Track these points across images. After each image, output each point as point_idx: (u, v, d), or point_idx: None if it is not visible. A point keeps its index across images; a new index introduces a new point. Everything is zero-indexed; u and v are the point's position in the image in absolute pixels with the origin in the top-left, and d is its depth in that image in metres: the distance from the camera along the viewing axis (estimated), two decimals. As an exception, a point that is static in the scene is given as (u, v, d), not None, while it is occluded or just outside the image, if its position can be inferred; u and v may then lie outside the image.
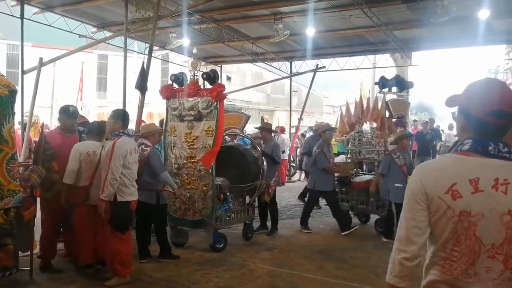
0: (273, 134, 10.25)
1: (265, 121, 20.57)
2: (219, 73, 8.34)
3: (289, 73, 19.73)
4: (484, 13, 11.32)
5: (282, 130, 17.49)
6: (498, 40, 15.40)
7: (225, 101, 7.76)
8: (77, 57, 22.04)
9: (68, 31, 14.48)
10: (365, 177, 9.95)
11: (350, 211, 9.89)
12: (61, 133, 6.56)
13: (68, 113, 6.47)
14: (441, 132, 18.70)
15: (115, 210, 5.78)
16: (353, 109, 10.75)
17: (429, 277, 2.06)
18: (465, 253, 1.95)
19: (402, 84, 10.39)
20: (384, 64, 22.35)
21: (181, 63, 18.88)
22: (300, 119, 19.37)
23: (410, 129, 18.20)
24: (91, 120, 8.12)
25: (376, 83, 10.28)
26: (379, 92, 10.12)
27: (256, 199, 8.94)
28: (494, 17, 11.70)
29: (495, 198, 1.89)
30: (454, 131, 21.24)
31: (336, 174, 9.61)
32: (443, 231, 1.99)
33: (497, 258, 1.90)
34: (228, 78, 33.31)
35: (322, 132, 9.47)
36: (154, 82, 23.00)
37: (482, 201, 1.91)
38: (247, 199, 8.77)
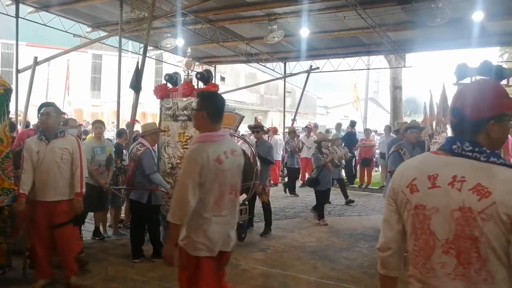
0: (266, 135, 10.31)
1: (259, 121, 20.58)
2: (213, 73, 8.31)
3: (283, 74, 19.77)
4: (478, 15, 11.36)
5: (275, 131, 17.49)
6: (492, 42, 15.45)
7: (219, 101, 7.75)
8: (71, 57, 22.02)
9: (63, 31, 14.47)
10: None
11: None
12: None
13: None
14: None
15: (81, 206, 5.81)
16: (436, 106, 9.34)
17: (407, 271, 2.17)
18: (422, 247, 2.05)
19: (492, 72, 7.13)
20: (378, 65, 22.49)
21: (175, 63, 18.89)
22: (293, 120, 19.41)
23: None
24: (84, 119, 8.07)
25: (455, 73, 8.12)
26: (455, 84, 8.13)
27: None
28: (488, 19, 11.74)
29: (450, 194, 1.95)
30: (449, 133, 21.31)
31: None
32: (407, 225, 2.13)
33: (451, 253, 1.95)
34: (222, 79, 33.32)
35: (404, 131, 7.99)
36: (148, 82, 22.98)
37: (438, 196, 1.99)
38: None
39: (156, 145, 7.91)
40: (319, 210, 10.21)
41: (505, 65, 29.36)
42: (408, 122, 8.83)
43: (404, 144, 7.59)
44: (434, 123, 8.89)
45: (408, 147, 7.49)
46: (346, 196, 12.73)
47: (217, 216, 3.59)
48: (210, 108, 3.68)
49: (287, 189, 14.41)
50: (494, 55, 26.88)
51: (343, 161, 12.61)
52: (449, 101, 8.48)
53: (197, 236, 3.54)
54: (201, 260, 3.57)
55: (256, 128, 9.76)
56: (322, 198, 10.33)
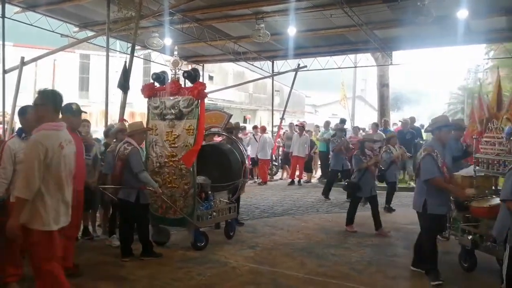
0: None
1: (248, 120, 20.66)
2: (201, 72, 8.34)
3: (271, 72, 19.81)
4: (462, 13, 11.48)
5: (263, 129, 17.54)
6: (477, 40, 15.64)
7: (207, 100, 7.78)
8: (59, 57, 21.95)
9: (50, 31, 14.42)
10: (493, 200, 6.39)
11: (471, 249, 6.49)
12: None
13: (72, 112, 6.14)
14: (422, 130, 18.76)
15: None
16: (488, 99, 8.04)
17: None
18: None
19: None
20: (366, 63, 22.56)
21: (163, 63, 18.88)
22: (282, 118, 19.45)
23: (393, 128, 18.37)
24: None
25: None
26: None
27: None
28: (472, 17, 11.88)
29: None
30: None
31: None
32: None
33: None
34: (210, 78, 33.29)
35: (437, 129, 6.46)
36: (136, 82, 22.94)
37: None
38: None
39: (144, 144, 7.90)
40: (349, 214, 9.29)
41: (491, 63, 29.63)
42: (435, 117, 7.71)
43: (435, 145, 6.36)
44: (484, 119, 7.59)
45: (439, 148, 6.32)
46: (388, 201, 11.38)
47: (57, 195, 4.21)
48: (53, 103, 4.31)
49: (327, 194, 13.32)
50: (481, 53, 27.15)
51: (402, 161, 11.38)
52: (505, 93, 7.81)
53: (38, 212, 4.09)
54: (38, 233, 4.10)
55: (230, 129, 9.79)
56: (356, 205, 9.27)
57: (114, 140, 8.03)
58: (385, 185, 11.34)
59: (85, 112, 7.07)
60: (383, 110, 21.16)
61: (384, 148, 10.92)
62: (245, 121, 31.09)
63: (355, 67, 20.50)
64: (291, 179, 16.83)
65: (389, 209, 11.23)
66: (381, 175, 10.17)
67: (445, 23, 12.30)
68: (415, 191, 6.56)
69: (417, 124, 17.86)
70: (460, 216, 6.81)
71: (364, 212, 10.80)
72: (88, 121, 8.34)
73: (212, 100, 29.61)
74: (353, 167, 9.99)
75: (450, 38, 14.04)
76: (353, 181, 9.22)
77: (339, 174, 14.04)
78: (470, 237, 6.38)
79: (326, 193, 13.23)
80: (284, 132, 19.84)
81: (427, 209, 6.18)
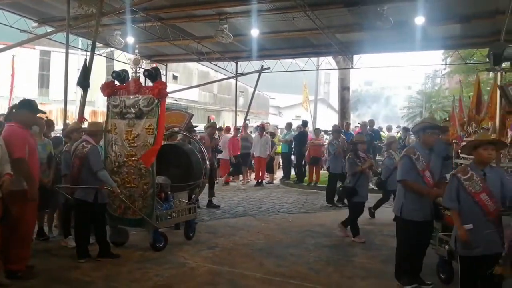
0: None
1: (212, 121, 20.60)
2: (164, 71, 8.28)
3: (234, 73, 19.83)
4: (419, 20, 11.77)
5: (227, 130, 17.53)
6: (434, 46, 16.07)
7: (170, 100, 7.74)
8: (17, 53, 21.45)
9: (7, 25, 14.07)
10: None
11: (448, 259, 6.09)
12: (22, 128, 5.96)
13: (29, 107, 6.06)
14: (381, 133, 19.11)
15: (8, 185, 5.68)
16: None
17: None
18: None
19: None
20: (328, 66, 22.83)
21: (126, 61, 18.66)
22: (245, 119, 19.47)
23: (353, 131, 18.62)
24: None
25: (487, 56, 6.74)
26: (488, 70, 7.19)
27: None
28: (429, 23, 12.21)
29: None
30: (393, 133, 21.85)
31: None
32: None
33: None
34: (175, 77, 33.04)
35: (421, 131, 5.97)
36: (99, 80, 22.57)
37: None
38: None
39: (103, 143, 7.80)
40: (353, 225, 8.58)
41: (448, 69, 30.32)
42: (423, 118, 6.85)
43: (418, 147, 5.93)
44: (465, 122, 7.18)
45: (423, 151, 5.85)
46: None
47: None
48: None
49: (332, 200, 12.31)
50: (438, 59, 27.97)
51: None
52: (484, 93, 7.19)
53: None
54: None
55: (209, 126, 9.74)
56: (358, 211, 8.64)
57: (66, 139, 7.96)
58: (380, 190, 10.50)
59: (44, 112, 6.96)
60: (343, 113, 21.45)
61: (386, 153, 10.55)
62: (209, 121, 30.96)
63: (317, 69, 20.75)
64: (256, 180, 16.76)
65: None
66: (381, 182, 9.74)
67: (403, 28, 12.58)
68: (396, 194, 6.22)
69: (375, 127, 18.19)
70: (438, 225, 6.38)
71: (327, 212, 10.93)
72: (42, 119, 8.18)
73: (176, 100, 29.36)
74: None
75: (408, 44, 14.39)
76: (348, 185, 8.71)
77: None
78: (446, 247, 5.99)
79: (330, 200, 12.23)
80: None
81: (402, 213, 5.85)
